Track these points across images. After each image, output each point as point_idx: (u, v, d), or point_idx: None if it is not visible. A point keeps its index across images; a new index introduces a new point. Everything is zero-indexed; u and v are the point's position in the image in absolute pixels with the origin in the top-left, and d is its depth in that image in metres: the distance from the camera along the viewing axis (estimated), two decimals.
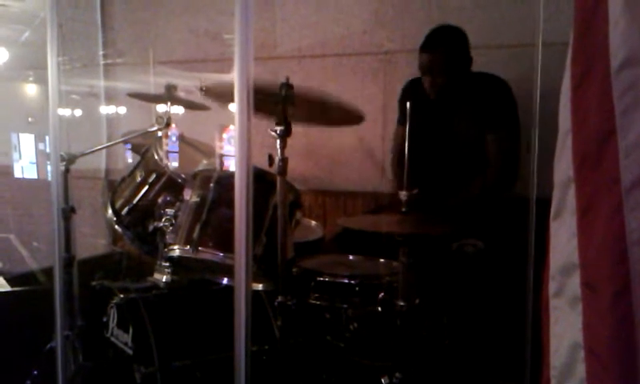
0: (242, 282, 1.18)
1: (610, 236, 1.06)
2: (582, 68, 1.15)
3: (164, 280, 2.24)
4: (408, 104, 1.94)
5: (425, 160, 2.43)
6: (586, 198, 1.13)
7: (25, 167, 3.88)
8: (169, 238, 2.08)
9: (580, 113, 1.14)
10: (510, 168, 2.44)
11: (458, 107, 2.52)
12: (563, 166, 1.18)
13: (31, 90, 3.95)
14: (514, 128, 2.42)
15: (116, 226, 2.40)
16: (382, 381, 1.92)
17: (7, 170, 3.87)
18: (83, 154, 2.32)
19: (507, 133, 2.44)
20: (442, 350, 2.10)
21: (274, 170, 1.78)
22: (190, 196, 2.03)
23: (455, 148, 2.53)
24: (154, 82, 3.37)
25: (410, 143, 1.87)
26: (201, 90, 1.95)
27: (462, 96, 2.51)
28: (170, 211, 2.15)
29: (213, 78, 1.92)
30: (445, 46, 2.45)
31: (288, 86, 1.73)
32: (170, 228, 2.12)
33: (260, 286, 2.03)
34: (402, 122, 2.73)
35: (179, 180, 2.28)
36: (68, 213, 2.17)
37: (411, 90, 2.66)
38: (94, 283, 2.38)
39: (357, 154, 3.00)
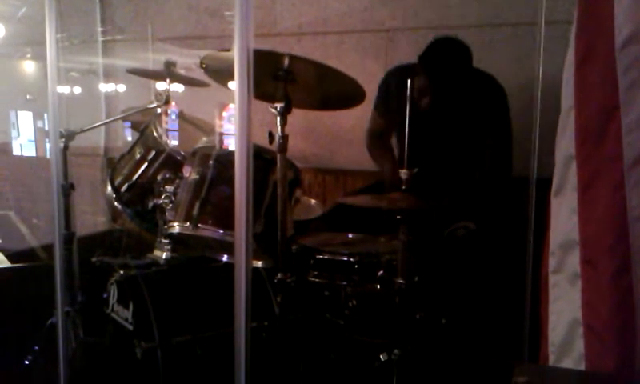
0: (242, 260, 1.18)
1: (611, 213, 1.06)
2: (586, 44, 1.14)
3: (164, 257, 2.24)
4: (408, 82, 1.92)
5: (410, 147, 2.41)
6: (588, 174, 1.13)
7: (23, 145, 3.87)
8: (168, 215, 2.08)
9: (583, 89, 1.14)
10: (503, 170, 2.42)
11: (447, 100, 2.47)
12: (565, 142, 1.18)
13: (29, 66, 3.92)
14: (505, 129, 2.40)
15: (115, 203, 2.40)
16: (381, 358, 1.94)
17: (6, 148, 3.86)
18: (82, 131, 2.31)
19: (500, 136, 2.41)
20: (440, 328, 2.12)
21: (274, 147, 1.78)
22: (189, 173, 2.02)
23: (441, 140, 2.50)
24: (152, 59, 3.34)
25: (395, 128, 1.86)
26: (201, 64, 1.93)
27: (454, 101, 2.42)
28: (169, 188, 2.15)
29: (214, 54, 1.90)
30: (448, 69, 2.27)
31: (291, 57, 1.71)
32: (170, 205, 2.11)
33: (260, 264, 2.04)
34: (377, 108, 2.63)
35: (179, 157, 2.28)
36: (67, 190, 2.17)
37: (396, 77, 2.56)
38: (94, 260, 2.39)
39: (357, 132, 2.98)
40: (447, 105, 2.38)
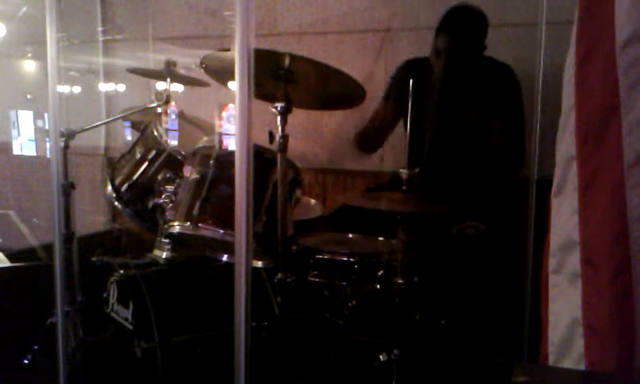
0: (242, 259, 1.19)
1: (611, 213, 1.06)
2: (587, 44, 1.14)
3: (164, 256, 2.25)
4: (411, 82, 1.92)
5: (423, 141, 2.41)
6: (588, 174, 1.13)
7: (23, 144, 3.86)
8: (169, 214, 2.08)
9: (584, 89, 1.14)
10: (514, 157, 2.41)
11: (461, 91, 2.49)
12: (566, 142, 1.18)
13: (29, 66, 3.92)
14: (518, 118, 2.39)
15: (116, 203, 2.40)
16: (380, 358, 1.94)
17: (6, 147, 3.85)
18: (83, 130, 2.31)
19: (512, 122, 2.40)
20: (440, 328, 2.12)
21: (274, 147, 1.78)
22: (190, 173, 2.02)
23: (456, 131, 2.50)
24: (153, 59, 3.34)
25: (410, 123, 1.86)
26: (201, 64, 1.93)
27: (468, 81, 2.47)
28: (169, 188, 2.15)
29: (214, 53, 1.90)
30: (466, 31, 2.37)
31: (291, 57, 1.71)
32: (170, 205, 2.12)
33: (260, 263, 2.04)
34: (387, 99, 2.63)
35: (179, 157, 2.28)
36: (67, 189, 2.16)
37: (409, 71, 2.59)
38: (94, 259, 2.38)
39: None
40: (461, 75, 2.42)
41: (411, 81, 1.94)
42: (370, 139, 2.65)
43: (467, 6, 2.39)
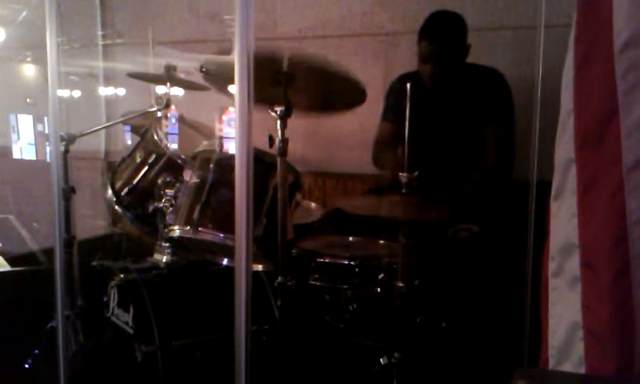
0: (242, 263, 1.19)
1: (611, 216, 1.06)
2: (585, 48, 1.14)
3: (164, 260, 2.25)
4: (408, 87, 1.92)
5: (419, 150, 2.41)
6: (587, 178, 1.13)
7: (23, 148, 3.87)
8: (169, 218, 2.09)
9: (582, 93, 1.14)
10: (505, 161, 2.43)
11: (453, 99, 2.50)
12: (565, 146, 1.18)
13: (29, 70, 3.93)
14: (509, 121, 2.41)
15: (116, 207, 2.40)
16: (381, 361, 1.94)
17: (6, 151, 3.86)
18: (83, 134, 2.31)
19: (503, 126, 2.42)
20: (440, 332, 2.12)
21: (274, 151, 1.78)
22: (190, 177, 2.02)
23: (449, 140, 2.52)
24: (153, 63, 3.35)
25: (404, 134, 1.86)
26: (201, 69, 1.93)
27: (458, 87, 2.48)
28: (169, 192, 2.16)
29: (214, 58, 1.90)
30: (445, 35, 2.41)
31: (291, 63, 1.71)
32: (170, 209, 2.12)
33: (260, 267, 2.04)
34: (387, 117, 2.68)
35: (179, 161, 2.28)
36: (68, 193, 2.17)
37: (402, 85, 2.61)
38: (94, 263, 2.38)
39: (357, 136, 2.98)
40: (448, 80, 2.46)
41: (408, 85, 1.94)
42: (383, 151, 2.66)
43: (444, 11, 2.44)
